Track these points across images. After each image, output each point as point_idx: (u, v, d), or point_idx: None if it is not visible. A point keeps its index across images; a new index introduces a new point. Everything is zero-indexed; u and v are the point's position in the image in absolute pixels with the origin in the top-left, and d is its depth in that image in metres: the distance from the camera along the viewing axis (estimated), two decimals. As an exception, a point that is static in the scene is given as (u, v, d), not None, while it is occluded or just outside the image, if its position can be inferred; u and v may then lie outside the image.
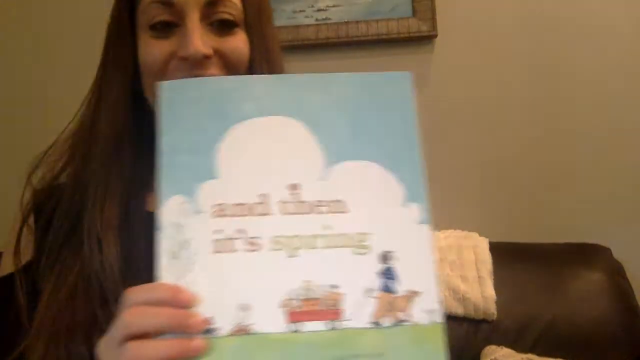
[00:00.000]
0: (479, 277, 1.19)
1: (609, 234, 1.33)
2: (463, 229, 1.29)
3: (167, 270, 0.44)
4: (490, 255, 1.22)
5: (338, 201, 0.47)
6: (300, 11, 1.42)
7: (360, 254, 0.46)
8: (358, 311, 0.45)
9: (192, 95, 0.48)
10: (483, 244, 1.24)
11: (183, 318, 0.42)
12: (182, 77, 0.59)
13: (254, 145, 0.48)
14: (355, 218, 0.47)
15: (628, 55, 1.39)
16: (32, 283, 0.61)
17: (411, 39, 1.40)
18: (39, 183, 0.66)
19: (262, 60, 0.64)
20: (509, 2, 1.41)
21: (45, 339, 0.56)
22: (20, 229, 0.64)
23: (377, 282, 0.45)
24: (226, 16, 0.62)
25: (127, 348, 0.41)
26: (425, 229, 0.47)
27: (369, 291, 0.45)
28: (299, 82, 0.50)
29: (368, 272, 0.45)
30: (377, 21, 1.40)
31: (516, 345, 1.14)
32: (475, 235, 1.27)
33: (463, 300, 1.16)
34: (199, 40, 0.59)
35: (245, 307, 0.44)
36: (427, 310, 0.45)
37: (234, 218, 0.45)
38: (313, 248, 0.45)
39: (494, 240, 1.26)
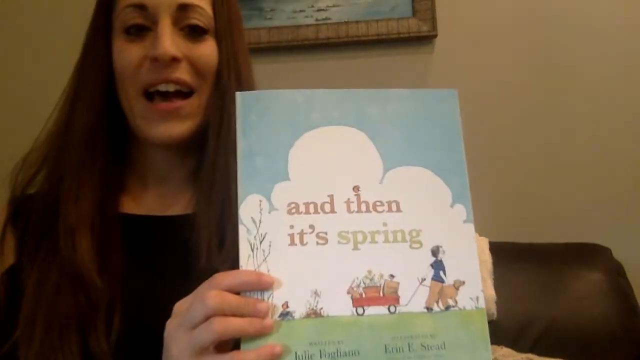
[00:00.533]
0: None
1: (609, 234, 1.33)
2: (463, 229, 1.29)
3: (248, 260, 0.50)
4: (490, 255, 1.22)
5: (394, 201, 0.53)
6: (300, 11, 1.43)
7: (415, 248, 0.52)
8: (413, 298, 0.51)
9: (266, 104, 0.54)
10: (483, 244, 1.24)
11: (254, 307, 0.47)
12: (153, 80, 0.63)
13: (321, 150, 0.54)
14: (409, 216, 0.53)
15: (629, 55, 1.39)
16: (16, 285, 0.63)
17: (411, 39, 1.40)
18: (17, 187, 0.68)
19: (230, 67, 0.67)
20: (509, 2, 1.41)
21: (40, 330, 0.59)
22: (3, 235, 0.67)
23: (429, 272, 0.52)
24: (196, 22, 0.65)
25: (213, 322, 0.46)
26: (470, 227, 0.54)
27: (422, 280, 0.51)
28: (360, 96, 0.55)
29: (421, 264, 0.52)
30: (377, 21, 1.40)
31: (516, 345, 1.13)
32: (475, 235, 1.27)
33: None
34: (169, 41, 0.63)
35: (316, 293, 0.49)
36: (471, 297, 0.52)
37: (305, 215, 0.51)
38: (374, 242, 0.52)
39: (494, 240, 1.26)
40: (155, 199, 0.71)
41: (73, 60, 0.70)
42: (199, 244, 0.63)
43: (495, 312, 1.16)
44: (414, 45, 1.42)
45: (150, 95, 0.66)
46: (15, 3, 1.47)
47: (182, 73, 0.64)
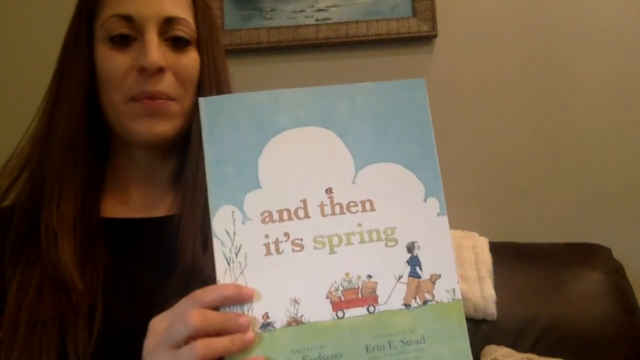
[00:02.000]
0: (479, 277, 1.19)
1: (609, 234, 1.33)
2: (463, 229, 1.29)
3: (225, 273, 0.50)
4: (490, 255, 1.22)
5: (368, 200, 0.53)
6: (300, 11, 1.43)
7: (390, 246, 0.52)
8: (391, 296, 0.51)
9: (231, 109, 0.53)
10: (483, 244, 1.24)
11: (235, 322, 0.48)
12: (138, 92, 0.64)
13: (291, 154, 0.53)
14: (383, 215, 0.53)
15: (629, 56, 1.39)
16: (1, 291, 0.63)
17: (411, 39, 1.41)
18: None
19: (211, 76, 0.69)
20: (509, 2, 1.41)
21: (22, 332, 0.59)
22: None
23: (405, 269, 0.52)
24: (181, 33, 0.67)
25: (196, 346, 0.46)
26: (444, 220, 0.54)
27: (399, 278, 0.52)
28: (326, 93, 0.54)
29: (397, 261, 0.52)
30: (377, 21, 1.40)
31: (516, 345, 1.14)
32: (475, 235, 1.27)
33: (463, 300, 1.16)
34: (156, 52, 0.64)
35: (295, 301, 0.50)
36: (447, 289, 0.52)
37: (279, 223, 0.51)
38: (349, 244, 0.52)
39: (494, 240, 1.26)
40: (138, 201, 0.72)
41: (51, 64, 0.70)
42: (184, 244, 0.63)
43: (495, 312, 1.16)
44: (414, 45, 1.42)
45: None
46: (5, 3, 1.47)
47: (166, 85, 0.66)
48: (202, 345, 0.46)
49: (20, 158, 0.69)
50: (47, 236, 0.63)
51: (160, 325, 0.50)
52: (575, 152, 1.39)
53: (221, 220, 0.51)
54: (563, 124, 1.40)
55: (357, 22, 1.40)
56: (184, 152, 0.70)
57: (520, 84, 1.41)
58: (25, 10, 1.47)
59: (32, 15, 1.47)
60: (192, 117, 0.69)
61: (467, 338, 0.51)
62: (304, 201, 0.52)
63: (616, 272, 1.23)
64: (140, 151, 0.71)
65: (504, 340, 1.14)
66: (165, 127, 0.67)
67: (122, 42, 0.65)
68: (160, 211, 0.71)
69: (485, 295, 1.17)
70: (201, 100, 0.53)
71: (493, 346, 1.13)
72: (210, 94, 0.68)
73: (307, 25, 1.41)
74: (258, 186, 0.52)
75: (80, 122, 0.67)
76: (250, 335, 0.48)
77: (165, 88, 0.65)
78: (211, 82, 0.69)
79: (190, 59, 0.68)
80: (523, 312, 1.17)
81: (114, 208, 0.71)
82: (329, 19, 1.42)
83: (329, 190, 0.52)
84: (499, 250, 1.23)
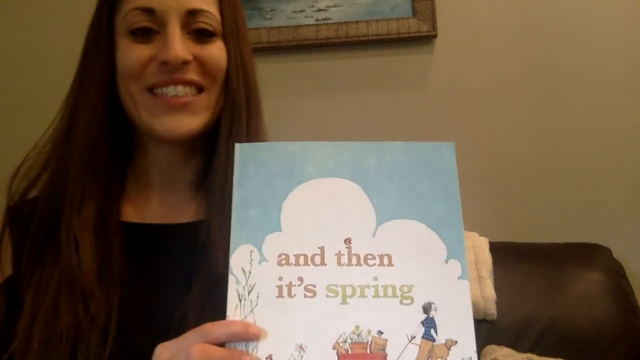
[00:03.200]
0: (479, 277, 1.19)
1: (609, 234, 1.33)
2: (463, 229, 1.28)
3: (235, 310, 0.50)
4: (490, 255, 1.22)
5: (386, 255, 0.52)
6: (300, 11, 1.43)
7: (405, 304, 0.50)
8: (402, 356, 0.49)
9: (263, 156, 0.55)
10: (483, 244, 1.24)
11: (238, 356, 0.48)
12: (160, 80, 0.62)
13: (314, 202, 0.53)
14: (401, 271, 0.51)
15: (629, 56, 1.39)
16: (15, 295, 0.62)
17: (411, 39, 1.40)
18: (15, 192, 0.67)
19: (238, 68, 0.67)
20: (509, 2, 1.41)
21: (36, 344, 0.58)
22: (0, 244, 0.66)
23: (419, 330, 0.50)
24: (205, 26, 0.65)
25: None
26: (464, 284, 0.51)
27: (412, 338, 0.49)
28: (356, 148, 0.55)
29: (411, 320, 0.50)
30: (377, 21, 1.40)
31: (516, 345, 1.14)
32: (475, 235, 1.27)
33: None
34: (180, 45, 0.62)
35: (301, 347, 0.49)
36: (464, 358, 0.49)
37: (295, 267, 0.51)
38: (363, 297, 0.50)
39: (494, 240, 1.26)
40: (160, 206, 0.69)
41: (73, 62, 0.69)
42: (213, 252, 0.61)
43: (495, 312, 1.16)
44: (414, 45, 1.42)
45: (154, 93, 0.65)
46: (15, 3, 1.47)
47: (193, 74, 0.64)
48: None
49: (39, 158, 0.67)
50: (68, 241, 0.62)
51: (163, 355, 0.49)
52: (576, 152, 1.39)
53: (239, 258, 0.51)
54: (563, 124, 1.40)
55: (357, 22, 1.40)
56: (206, 154, 0.68)
57: (520, 84, 1.40)
58: (38, 8, 1.47)
59: (46, 15, 1.47)
60: (220, 112, 0.67)
61: None
62: (322, 248, 0.52)
63: (616, 272, 1.23)
64: (160, 151, 0.68)
65: (504, 340, 1.14)
66: (189, 123, 0.64)
67: (143, 35, 0.63)
68: (183, 217, 0.68)
69: (485, 295, 1.17)
70: (237, 145, 0.56)
71: (493, 346, 1.13)
72: (238, 86, 0.66)
73: (307, 25, 1.41)
74: (278, 229, 0.52)
75: (102, 122, 0.65)
76: None
77: (192, 76, 0.63)
78: (238, 74, 0.67)
79: (216, 49, 0.65)
80: (523, 312, 1.17)
81: (135, 212, 0.69)
82: (329, 19, 1.42)
83: (347, 241, 0.52)
84: (499, 250, 1.23)
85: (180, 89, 0.63)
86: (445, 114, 1.38)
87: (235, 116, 0.66)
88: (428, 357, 0.49)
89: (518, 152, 1.40)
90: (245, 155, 0.55)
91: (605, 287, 1.19)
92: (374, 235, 0.52)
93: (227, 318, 0.50)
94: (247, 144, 0.57)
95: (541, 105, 1.40)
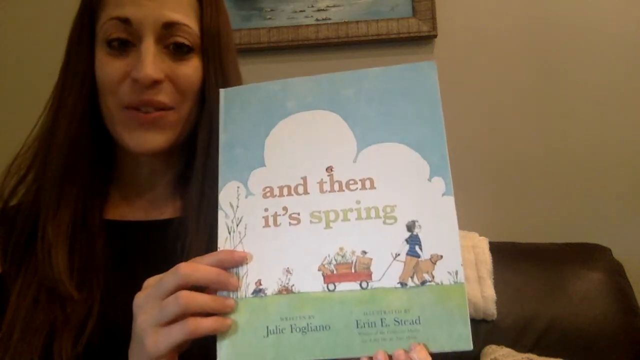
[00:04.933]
0: (479, 277, 1.19)
1: (609, 234, 1.33)
2: (463, 229, 1.29)
3: (225, 241, 0.53)
4: (490, 255, 1.22)
5: (368, 179, 0.53)
6: (300, 11, 1.43)
7: (389, 224, 0.52)
8: (386, 273, 0.50)
9: (246, 97, 0.58)
10: (483, 244, 1.24)
11: (225, 277, 0.51)
12: (132, 100, 0.63)
13: (295, 136, 0.56)
14: (384, 192, 0.53)
15: (628, 56, 1.39)
16: (4, 291, 0.63)
17: (411, 39, 1.41)
18: (5, 189, 0.68)
19: (218, 80, 0.66)
20: (509, 2, 1.41)
21: (15, 337, 0.59)
22: None
23: (404, 247, 0.51)
24: (181, 40, 0.64)
25: (180, 296, 0.48)
26: (449, 200, 0.52)
27: (396, 255, 0.51)
28: (334, 80, 0.57)
29: (395, 239, 0.51)
30: (377, 21, 1.40)
31: (516, 345, 1.14)
32: (475, 235, 1.27)
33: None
34: (151, 64, 0.61)
35: (288, 271, 0.52)
36: (449, 271, 0.50)
37: (279, 198, 0.54)
38: (346, 220, 0.52)
39: (494, 240, 1.26)
40: (141, 203, 0.71)
41: (58, 62, 0.69)
42: (188, 247, 0.62)
43: (495, 312, 1.16)
44: (414, 45, 1.42)
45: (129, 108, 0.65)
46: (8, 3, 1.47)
47: (162, 95, 0.63)
48: (186, 295, 0.48)
49: (26, 157, 0.68)
50: (42, 249, 0.63)
51: (152, 282, 0.52)
52: (576, 152, 1.39)
53: (227, 194, 0.55)
54: (563, 123, 1.40)
55: (357, 22, 1.40)
56: (188, 154, 0.68)
57: (520, 84, 1.40)
58: (28, 9, 1.47)
59: (35, 14, 1.47)
60: (193, 125, 0.67)
61: (469, 324, 0.48)
62: (304, 178, 0.54)
63: (616, 272, 1.23)
64: (139, 158, 0.70)
65: (504, 340, 1.14)
66: (159, 140, 0.64)
67: (120, 47, 0.63)
68: (163, 214, 0.70)
69: (485, 295, 1.17)
70: (221, 91, 0.58)
71: (493, 346, 1.13)
72: (216, 102, 0.65)
73: (307, 25, 1.41)
74: (262, 165, 0.55)
75: (83, 124, 0.66)
76: (230, 301, 0.51)
77: (162, 98, 0.63)
78: (217, 86, 0.65)
79: (190, 68, 0.65)
80: (523, 312, 1.17)
81: (118, 210, 0.70)
82: (329, 19, 1.42)
83: (329, 169, 0.54)
84: (499, 250, 1.23)
85: (151, 109, 0.63)
86: (444, 114, 1.38)
87: (214, 130, 0.64)
88: (413, 273, 0.50)
89: (518, 152, 1.40)
90: (229, 99, 0.58)
91: (605, 287, 1.19)
92: (355, 161, 0.54)
93: (218, 249, 0.53)
94: (230, 88, 0.59)
95: (541, 105, 1.40)
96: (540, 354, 1.11)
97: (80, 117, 0.66)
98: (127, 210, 0.70)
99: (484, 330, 1.16)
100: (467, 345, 0.48)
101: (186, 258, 0.61)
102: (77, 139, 0.66)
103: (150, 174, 0.71)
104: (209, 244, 0.61)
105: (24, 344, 0.59)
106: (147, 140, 0.64)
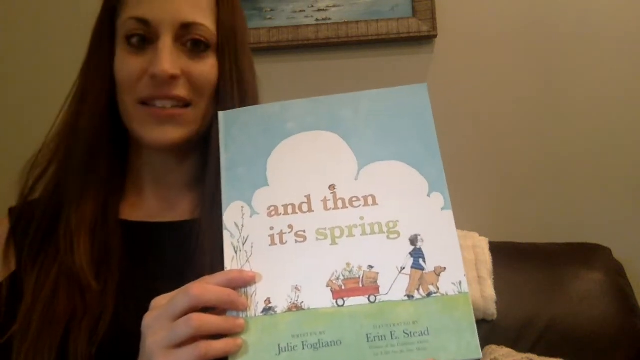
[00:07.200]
0: (479, 277, 1.19)
1: (609, 234, 1.33)
2: (463, 229, 1.29)
3: (232, 261, 0.53)
4: (490, 255, 1.22)
5: (370, 195, 0.55)
6: (300, 11, 1.43)
7: (392, 238, 0.53)
8: (393, 286, 0.51)
9: (245, 119, 0.59)
10: (483, 244, 1.24)
11: (236, 297, 0.51)
12: (150, 95, 0.64)
13: (297, 155, 0.57)
14: (386, 208, 0.54)
15: (628, 57, 1.39)
16: (17, 289, 0.64)
17: (411, 39, 1.40)
18: (26, 185, 0.69)
19: (233, 82, 0.67)
20: (509, 2, 1.41)
21: (34, 327, 0.60)
22: (7, 243, 0.68)
23: (408, 261, 0.52)
24: (198, 37, 0.66)
25: (192, 318, 0.48)
26: (448, 214, 0.54)
27: (402, 269, 0.52)
28: (332, 101, 0.59)
29: (400, 253, 0.53)
30: (377, 21, 1.40)
31: (516, 345, 1.14)
32: (475, 235, 1.27)
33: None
34: (168, 61, 0.63)
35: (297, 288, 0.52)
36: (454, 282, 0.51)
37: (284, 216, 0.54)
38: (351, 236, 0.53)
39: (494, 240, 1.26)
40: (155, 204, 0.71)
41: (75, 61, 0.70)
42: (203, 249, 0.63)
43: (495, 312, 1.16)
44: (414, 45, 1.42)
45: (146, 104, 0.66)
46: (17, 3, 1.47)
47: (180, 90, 0.65)
48: (197, 318, 0.48)
49: (47, 152, 0.69)
50: (65, 236, 0.64)
51: (161, 301, 0.51)
52: (575, 152, 1.39)
53: (231, 214, 0.55)
54: (563, 123, 1.40)
55: (357, 22, 1.40)
56: (202, 155, 0.69)
57: (520, 84, 1.40)
58: (31, 8, 1.47)
59: (37, 14, 1.47)
60: (210, 123, 0.67)
61: (476, 333, 0.50)
62: (308, 197, 0.55)
63: (616, 272, 1.23)
64: (153, 153, 0.71)
65: (504, 340, 1.14)
66: (175, 135, 0.66)
67: (139, 44, 0.65)
68: (177, 215, 0.70)
69: (485, 295, 1.17)
70: (220, 113, 0.59)
71: (493, 346, 1.13)
72: (231, 99, 0.67)
73: (307, 25, 1.41)
74: (266, 184, 0.56)
75: (102, 121, 0.67)
76: (240, 321, 0.50)
77: (179, 92, 0.65)
78: (233, 87, 0.67)
79: (207, 65, 0.66)
80: (523, 312, 1.17)
81: (132, 210, 0.71)
82: (329, 19, 1.42)
83: (332, 187, 0.55)
84: (499, 250, 1.23)
85: (167, 102, 0.65)
86: (445, 114, 1.38)
87: None
88: (419, 285, 0.51)
89: (518, 152, 1.40)
90: (228, 121, 0.59)
91: (605, 287, 1.19)
92: (356, 179, 0.55)
93: (225, 269, 0.53)
94: (229, 110, 0.60)
95: (541, 105, 1.40)
96: (540, 354, 1.11)
97: (102, 113, 0.67)
98: (141, 210, 0.71)
99: (484, 330, 1.16)
100: (476, 353, 0.49)
101: (200, 259, 0.62)
102: (99, 134, 0.67)
103: (165, 174, 0.71)
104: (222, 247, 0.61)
105: (42, 335, 0.59)
106: (163, 133, 0.65)
